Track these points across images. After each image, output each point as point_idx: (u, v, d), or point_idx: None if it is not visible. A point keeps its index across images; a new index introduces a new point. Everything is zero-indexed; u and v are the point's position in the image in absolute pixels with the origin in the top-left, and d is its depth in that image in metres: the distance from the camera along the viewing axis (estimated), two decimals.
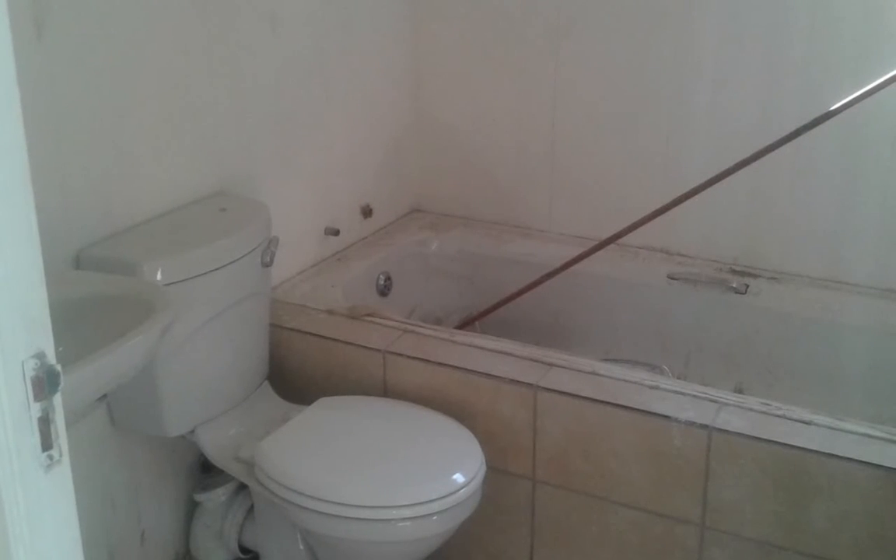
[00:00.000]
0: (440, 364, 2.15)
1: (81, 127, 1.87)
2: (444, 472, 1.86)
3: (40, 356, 0.80)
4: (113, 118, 1.94)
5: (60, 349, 0.85)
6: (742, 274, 2.66)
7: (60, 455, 0.83)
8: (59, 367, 0.82)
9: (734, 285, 2.62)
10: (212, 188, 2.23)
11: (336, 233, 2.72)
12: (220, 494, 2.15)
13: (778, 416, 1.91)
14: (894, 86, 2.19)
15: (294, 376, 2.31)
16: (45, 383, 0.80)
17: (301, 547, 2.04)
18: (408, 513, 1.79)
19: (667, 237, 2.75)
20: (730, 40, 2.56)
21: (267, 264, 2.14)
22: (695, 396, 1.99)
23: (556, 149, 2.89)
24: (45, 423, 0.81)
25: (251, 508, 2.14)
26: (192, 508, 2.23)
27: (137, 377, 1.68)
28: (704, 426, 1.89)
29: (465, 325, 2.71)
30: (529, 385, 2.05)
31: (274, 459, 1.90)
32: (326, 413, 2.07)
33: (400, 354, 2.19)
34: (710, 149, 2.60)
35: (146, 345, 1.58)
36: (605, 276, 2.73)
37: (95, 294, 1.70)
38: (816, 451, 1.80)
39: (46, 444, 0.81)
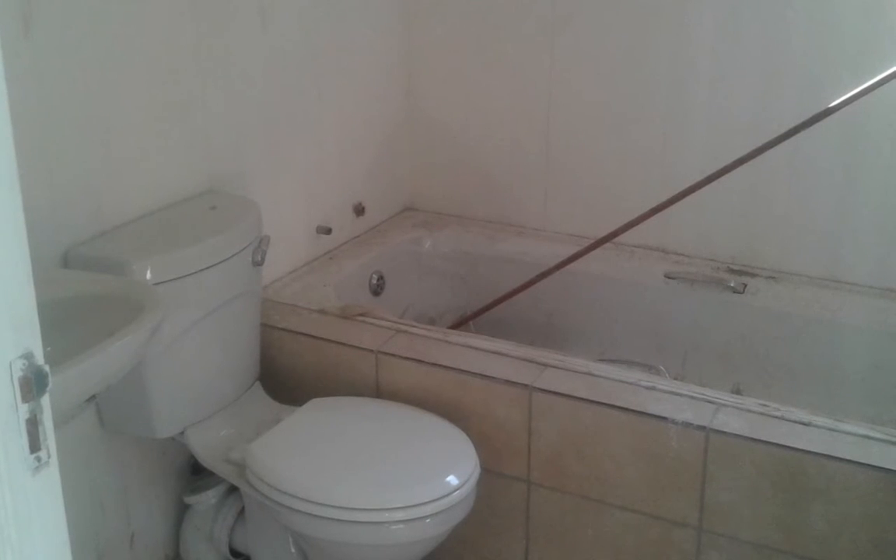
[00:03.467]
0: (433, 364, 2.13)
1: (70, 124, 1.85)
2: (438, 474, 1.84)
3: (28, 356, 0.80)
4: (102, 115, 1.93)
5: (48, 349, 0.85)
6: (740, 273, 2.65)
7: (49, 457, 0.83)
8: (47, 368, 0.81)
9: (732, 285, 2.61)
10: (202, 186, 2.21)
11: (328, 231, 2.70)
12: (210, 497, 2.14)
13: (776, 417, 1.90)
14: (894, 82, 2.18)
15: (285, 377, 2.30)
16: (32, 384, 0.80)
17: (292, 550, 2.02)
18: (401, 515, 1.78)
19: (663, 236, 2.74)
20: (727, 35, 2.55)
21: (258, 263, 2.13)
22: (692, 397, 1.98)
23: (551, 146, 2.87)
24: (32, 424, 0.80)
25: (242, 511, 2.12)
26: (181, 511, 2.22)
27: (126, 378, 1.68)
28: (702, 427, 1.87)
29: (459, 324, 2.70)
30: (524, 386, 2.03)
31: (265, 461, 1.89)
32: (318, 414, 2.06)
33: (393, 355, 2.18)
34: (707, 146, 2.60)
35: (135, 345, 1.57)
36: (600, 276, 2.73)
37: (84, 293, 1.69)
38: (815, 453, 1.79)
39: (34, 445, 0.81)
